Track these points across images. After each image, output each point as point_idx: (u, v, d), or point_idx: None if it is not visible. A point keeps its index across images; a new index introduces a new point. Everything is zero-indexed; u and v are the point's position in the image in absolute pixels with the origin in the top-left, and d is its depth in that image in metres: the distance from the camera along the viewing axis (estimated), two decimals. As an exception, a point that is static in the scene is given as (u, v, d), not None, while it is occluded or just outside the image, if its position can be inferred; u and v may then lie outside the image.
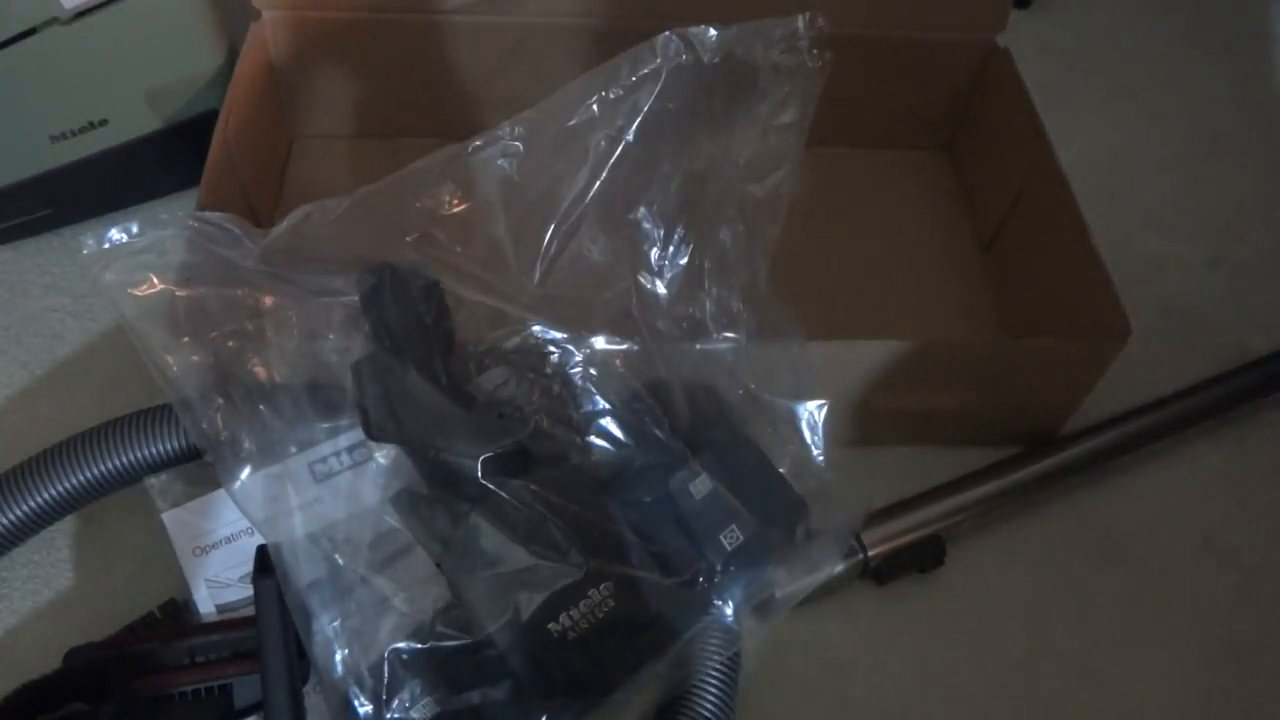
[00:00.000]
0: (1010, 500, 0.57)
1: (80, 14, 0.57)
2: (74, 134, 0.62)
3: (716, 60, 0.45)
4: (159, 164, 0.66)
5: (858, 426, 0.58)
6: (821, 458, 0.48)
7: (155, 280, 0.43)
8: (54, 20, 0.57)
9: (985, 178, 0.70)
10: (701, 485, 0.45)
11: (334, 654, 0.42)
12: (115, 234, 0.42)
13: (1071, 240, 0.58)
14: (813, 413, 0.49)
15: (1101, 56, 0.87)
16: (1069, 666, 0.54)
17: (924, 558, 0.54)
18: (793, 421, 0.49)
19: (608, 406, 0.46)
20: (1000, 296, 0.67)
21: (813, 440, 0.48)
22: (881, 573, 0.54)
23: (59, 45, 0.58)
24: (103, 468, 0.49)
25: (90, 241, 0.41)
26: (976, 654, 0.54)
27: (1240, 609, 0.56)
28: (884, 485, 0.57)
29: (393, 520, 0.44)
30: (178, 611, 0.51)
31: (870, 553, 0.53)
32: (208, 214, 0.44)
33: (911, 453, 0.59)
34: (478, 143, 0.46)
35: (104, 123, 0.62)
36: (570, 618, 0.41)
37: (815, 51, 0.46)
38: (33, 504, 0.49)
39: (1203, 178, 0.78)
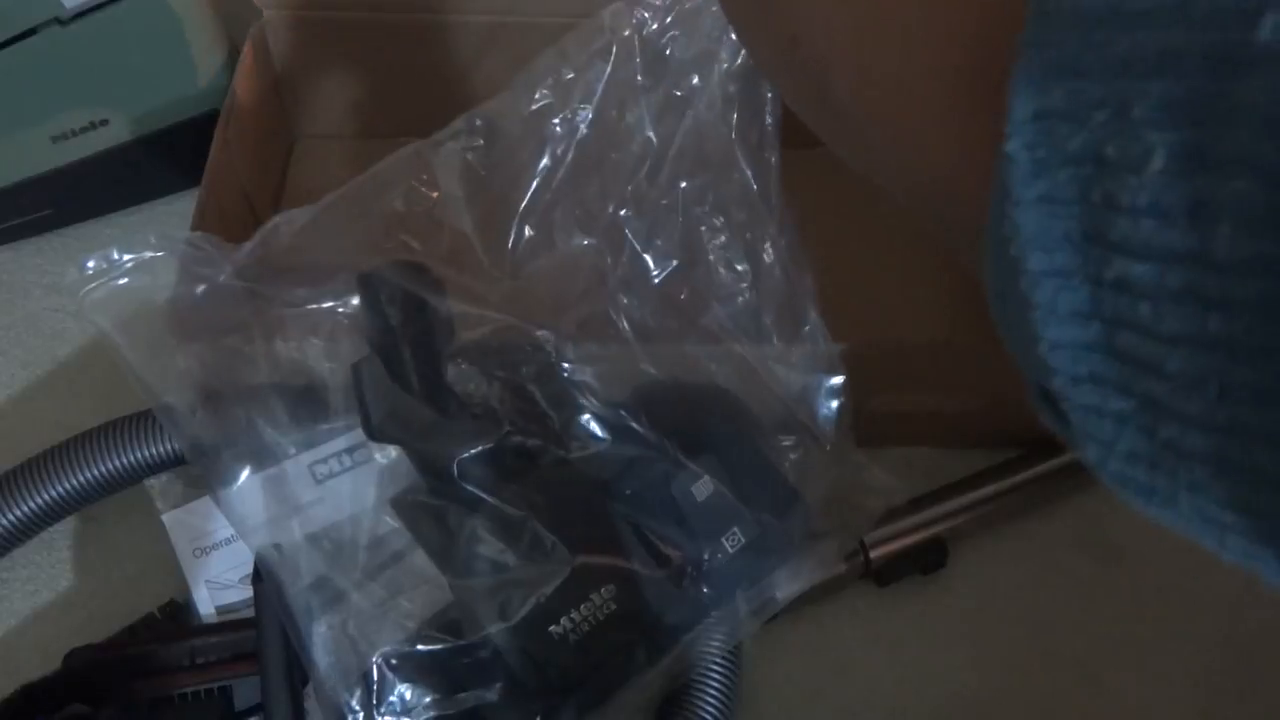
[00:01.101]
0: (1012, 502, 0.57)
1: (80, 14, 0.57)
2: (74, 134, 0.61)
3: (673, 25, 0.45)
4: (159, 164, 0.65)
5: (858, 428, 0.58)
6: (835, 450, 0.48)
7: (138, 301, 0.43)
8: (54, 20, 0.57)
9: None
10: (704, 487, 0.45)
11: (327, 658, 0.42)
12: (95, 262, 0.43)
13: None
14: (824, 409, 0.48)
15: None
16: (1071, 668, 0.54)
17: (926, 559, 0.54)
18: (799, 419, 0.48)
19: (584, 402, 0.46)
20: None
21: (824, 432, 0.48)
22: (883, 574, 0.54)
23: (59, 45, 0.57)
24: (103, 469, 0.49)
25: (73, 271, 0.42)
26: (978, 655, 0.54)
27: (1241, 610, 0.56)
28: (892, 485, 0.57)
29: (393, 521, 0.44)
30: (178, 613, 0.51)
31: (872, 554, 0.53)
32: (185, 235, 0.44)
33: (912, 454, 0.59)
34: (436, 139, 0.46)
35: (104, 123, 0.62)
36: (571, 620, 0.41)
37: None
38: (33, 505, 0.49)
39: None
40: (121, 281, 0.43)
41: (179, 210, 0.67)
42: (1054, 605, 0.56)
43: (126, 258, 0.43)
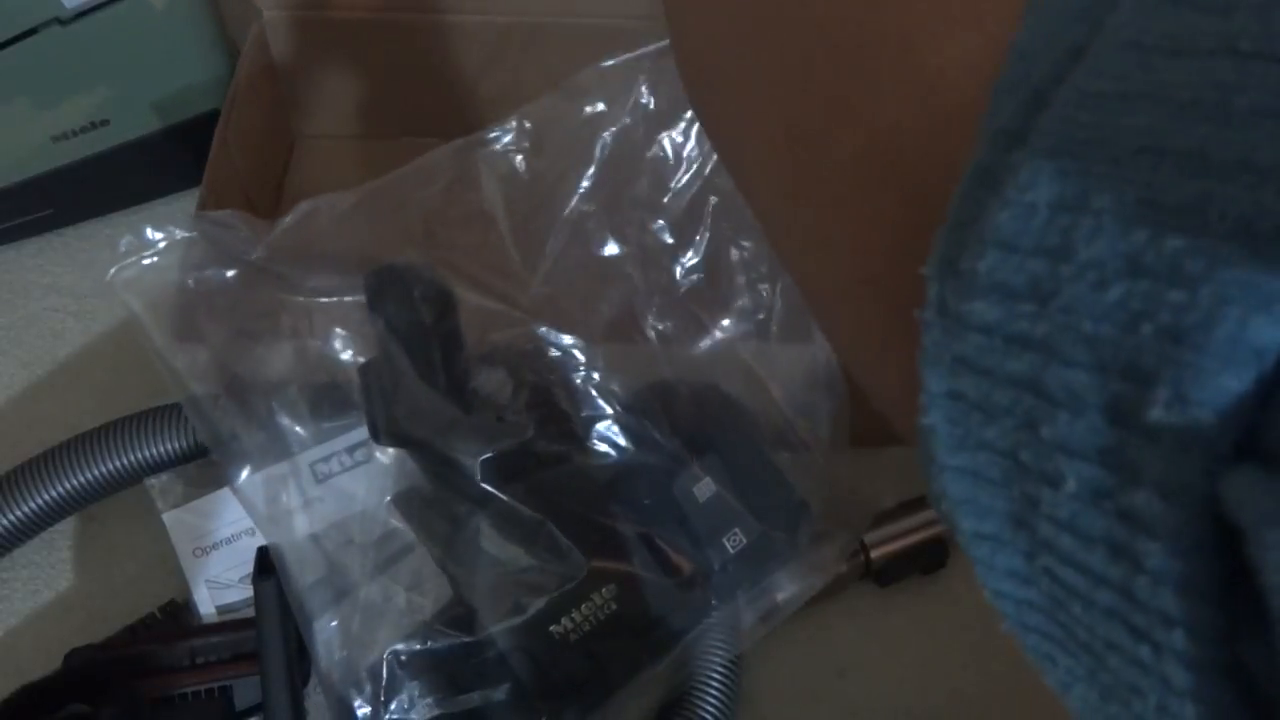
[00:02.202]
0: (1012, 502, 0.57)
1: (81, 14, 0.57)
2: (74, 134, 0.61)
3: None
4: (160, 164, 0.65)
5: (858, 427, 0.58)
6: (830, 459, 0.48)
7: (166, 282, 0.43)
8: (54, 20, 0.57)
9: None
10: (705, 488, 0.45)
11: (333, 655, 0.42)
12: (129, 239, 0.42)
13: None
14: (825, 413, 0.48)
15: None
16: (1071, 668, 0.54)
17: (926, 559, 0.54)
18: (802, 421, 0.48)
19: (610, 409, 0.46)
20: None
21: (821, 441, 0.48)
22: (883, 574, 0.54)
23: (59, 45, 0.57)
24: (104, 468, 0.49)
25: (105, 250, 0.42)
26: (979, 655, 0.54)
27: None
28: (885, 487, 0.57)
29: (396, 520, 0.44)
30: (178, 612, 0.51)
31: (872, 554, 0.53)
32: (216, 213, 0.44)
33: (913, 454, 0.59)
34: (483, 138, 0.46)
35: (104, 123, 0.62)
36: (572, 620, 0.41)
37: None
38: (33, 505, 0.49)
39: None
40: (152, 261, 0.43)
41: (179, 210, 0.67)
42: (1054, 605, 0.56)
43: (158, 235, 0.43)
